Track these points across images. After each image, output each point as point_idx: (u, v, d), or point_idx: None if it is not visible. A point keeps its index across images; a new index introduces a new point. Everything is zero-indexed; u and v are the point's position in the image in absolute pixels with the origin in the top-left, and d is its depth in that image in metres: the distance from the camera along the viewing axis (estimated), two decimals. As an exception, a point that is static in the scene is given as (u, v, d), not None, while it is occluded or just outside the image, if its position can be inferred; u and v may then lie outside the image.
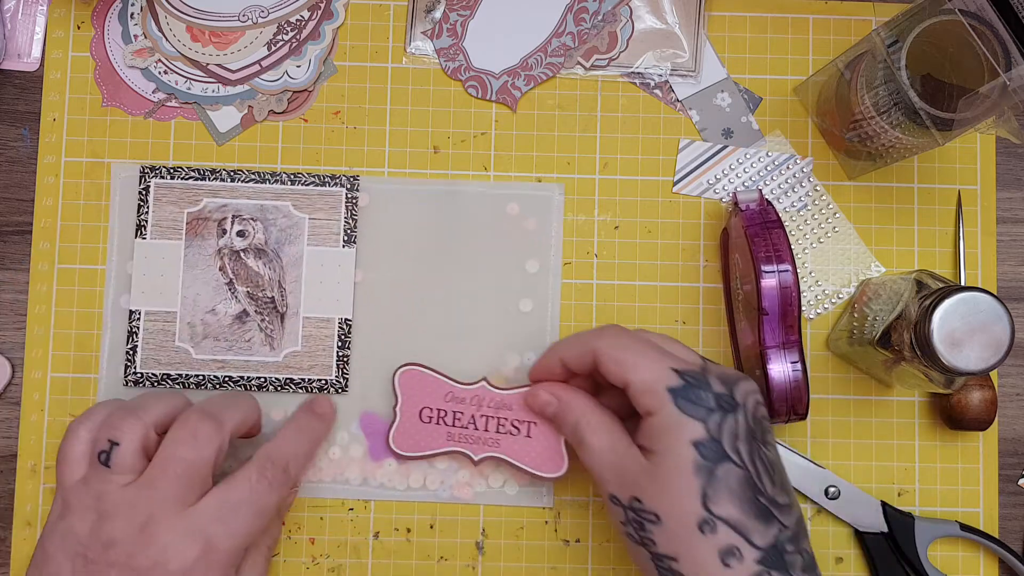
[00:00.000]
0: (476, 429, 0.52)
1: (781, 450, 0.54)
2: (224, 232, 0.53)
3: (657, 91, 0.56)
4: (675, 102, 0.56)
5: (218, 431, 0.46)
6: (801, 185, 0.56)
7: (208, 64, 0.56)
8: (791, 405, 0.49)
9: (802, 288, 0.55)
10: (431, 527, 0.54)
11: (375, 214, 0.54)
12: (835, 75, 0.52)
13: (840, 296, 0.55)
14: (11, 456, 0.54)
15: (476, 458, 0.52)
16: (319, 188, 0.54)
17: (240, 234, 0.53)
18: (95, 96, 0.56)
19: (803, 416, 0.49)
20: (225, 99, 0.55)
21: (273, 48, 0.56)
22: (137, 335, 0.53)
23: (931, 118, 0.46)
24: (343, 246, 0.54)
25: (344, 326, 0.54)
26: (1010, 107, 0.45)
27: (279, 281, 0.53)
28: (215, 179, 0.54)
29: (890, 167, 0.55)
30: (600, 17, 0.56)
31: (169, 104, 0.55)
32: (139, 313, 0.53)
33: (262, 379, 0.53)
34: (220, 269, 0.53)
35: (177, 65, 0.56)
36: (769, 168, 0.56)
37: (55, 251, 0.55)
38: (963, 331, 0.44)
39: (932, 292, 0.46)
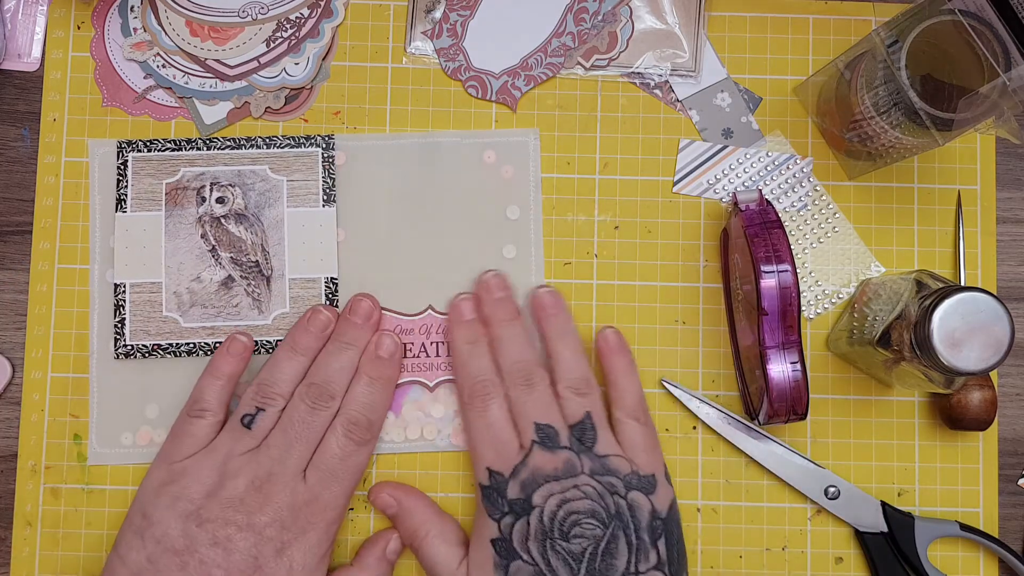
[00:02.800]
0: (428, 356, 0.53)
1: (781, 450, 0.54)
2: (203, 200, 0.54)
3: (657, 91, 0.56)
4: (675, 102, 0.56)
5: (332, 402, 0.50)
6: (801, 185, 0.56)
7: (207, 59, 0.56)
8: (791, 405, 0.49)
9: (802, 288, 0.55)
10: (431, 527, 0.54)
11: (353, 172, 0.54)
12: (835, 75, 0.52)
13: (840, 296, 0.55)
14: (11, 456, 0.54)
15: (431, 384, 0.53)
16: (295, 150, 0.54)
17: (219, 200, 0.54)
18: (95, 96, 0.56)
19: (803, 416, 0.49)
20: (222, 94, 0.55)
21: (272, 45, 0.56)
22: (124, 308, 0.53)
23: (931, 118, 0.46)
24: (323, 205, 0.54)
25: (331, 285, 0.54)
26: (1010, 107, 0.45)
27: (262, 245, 0.54)
28: (191, 148, 0.54)
29: (890, 167, 0.55)
30: (600, 17, 0.56)
31: (151, 97, 0.55)
32: (124, 286, 0.53)
33: (265, 344, 0.54)
34: (202, 237, 0.54)
35: (175, 59, 0.56)
36: (769, 168, 0.56)
37: (55, 251, 0.55)
38: (963, 331, 0.44)
39: (932, 292, 0.46)
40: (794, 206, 0.56)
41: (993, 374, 0.54)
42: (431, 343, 0.53)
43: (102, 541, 0.53)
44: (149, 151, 0.54)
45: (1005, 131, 0.45)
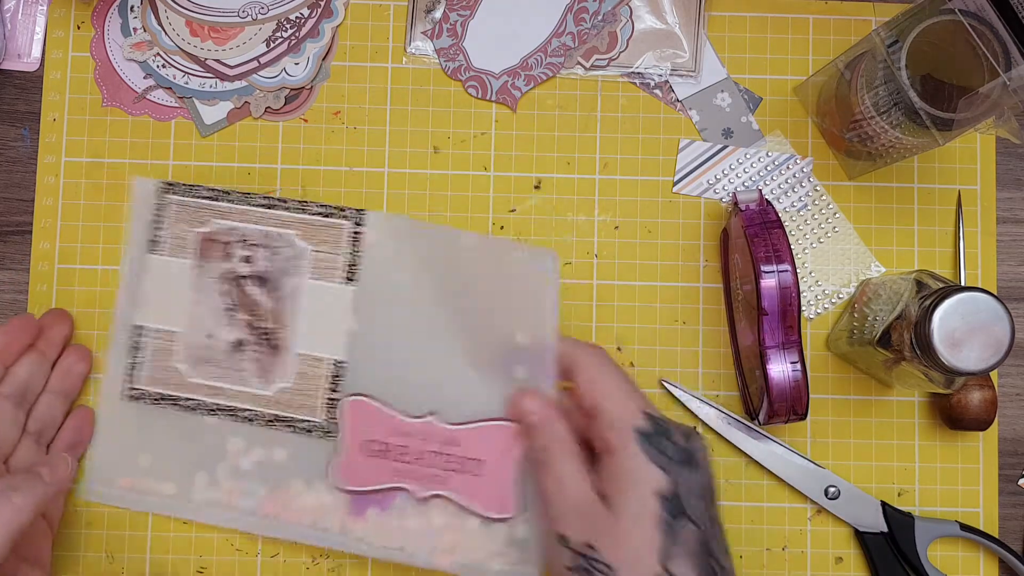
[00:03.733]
0: (423, 465, 0.49)
1: (781, 450, 0.54)
2: (230, 256, 0.52)
3: (657, 91, 0.56)
4: (675, 102, 0.56)
5: None
6: (801, 185, 0.56)
7: (207, 59, 0.56)
8: (791, 405, 0.49)
9: (802, 288, 0.55)
10: (431, 527, 0.54)
11: (379, 253, 0.52)
12: (835, 75, 0.52)
13: (840, 296, 0.55)
14: (11, 456, 0.54)
15: (421, 495, 0.49)
16: (324, 219, 0.52)
17: (245, 260, 0.52)
18: (95, 96, 0.56)
19: (803, 416, 0.49)
20: (222, 94, 0.55)
21: (272, 45, 0.56)
22: (140, 350, 0.52)
23: (931, 118, 0.46)
24: (343, 282, 0.52)
25: (336, 367, 0.51)
26: (1010, 107, 0.45)
27: (277, 313, 0.52)
28: (227, 200, 0.52)
29: (890, 167, 0.55)
30: (600, 17, 0.56)
31: (151, 97, 0.55)
32: (144, 329, 0.52)
33: (252, 412, 0.52)
34: (223, 294, 0.52)
35: (175, 59, 0.56)
36: (769, 168, 0.56)
37: (55, 251, 0.55)
38: (963, 331, 0.44)
39: (932, 292, 0.46)
40: (794, 206, 0.56)
41: (993, 374, 0.54)
42: (428, 451, 0.49)
43: (102, 541, 0.53)
44: (187, 195, 0.52)
45: (1005, 131, 0.45)
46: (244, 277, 0.52)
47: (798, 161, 0.56)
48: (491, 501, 0.49)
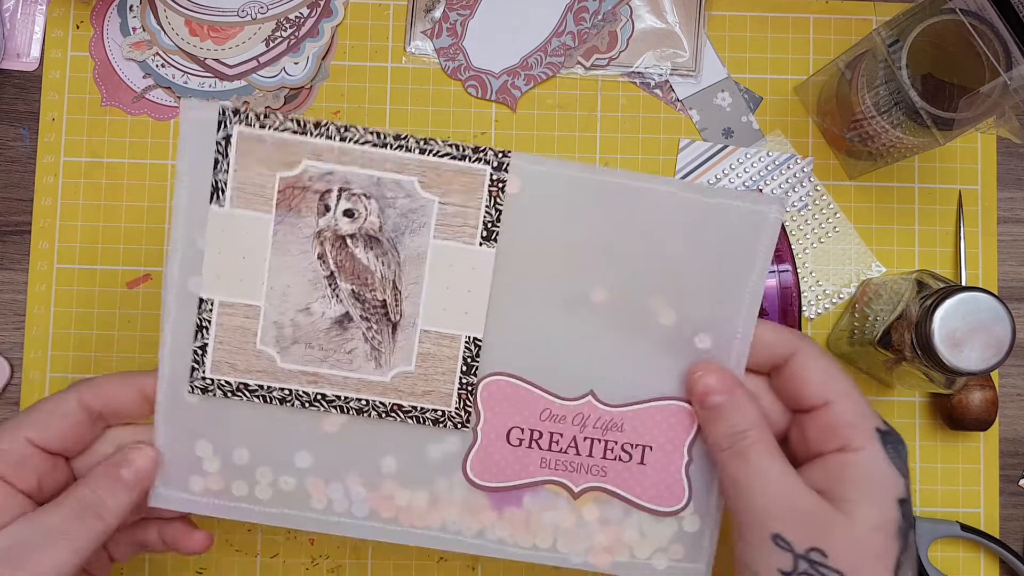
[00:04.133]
0: (579, 454, 0.43)
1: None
2: (327, 209, 0.41)
3: (657, 91, 0.56)
4: (675, 102, 0.56)
5: None
6: (801, 185, 0.56)
7: (206, 59, 0.56)
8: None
9: (802, 288, 0.55)
10: (431, 527, 0.54)
11: (525, 205, 0.41)
12: (836, 75, 0.52)
13: (840, 296, 0.55)
14: (10, 456, 0.54)
15: (577, 489, 0.43)
16: (456, 163, 0.41)
17: (348, 213, 0.41)
18: (94, 96, 0.56)
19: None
20: (222, 94, 0.55)
21: (271, 44, 0.56)
22: (208, 330, 0.42)
23: (932, 118, 0.46)
24: (480, 244, 0.42)
25: (473, 346, 0.42)
26: (1011, 106, 0.45)
27: (394, 281, 0.42)
28: (319, 135, 0.41)
29: (891, 167, 0.55)
30: (600, 17, 0.56)
31: (150, 97, 0.55)
32: (212, 303, 0.42)
33: (363, 402, 0.42)
34: (319, 257, 0.42)
35: (174, 59, 0.55)
36: (769, 168, 0.56)
37: (54, 251, 0.55)
38: (964, 331, 0.44)
39: (933, 292, 0.46)
40: (794, 206, 0.56)
41: (994, 374, 0.54)
42: (585, 439, 0.42)
43: (101, 542, 0.53)
44: (262, 127, 0.40)
45: (1006, 130, 0.45)
46: (348, 237, 0.42)
47: (798, 161, 0.56)
48: (659, 492, 0.43)
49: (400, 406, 0.43)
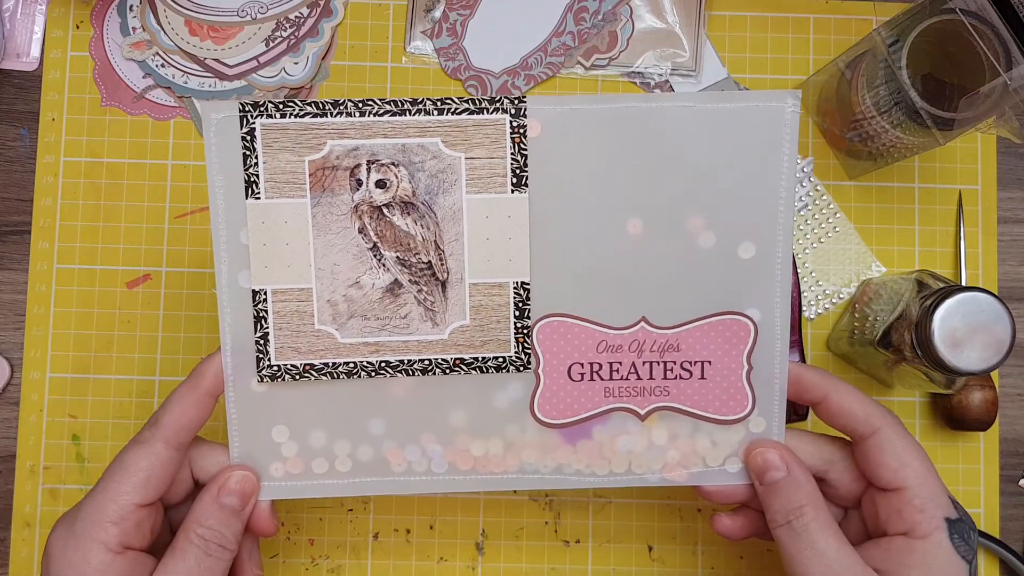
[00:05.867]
0: (639, 379, 0.44)
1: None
2: (359, 183, 0.42)
3: (657, 91, 0.56)
4: (675, 101, 0.56)
5: None
6: (802, 185, 0.56)
7: (206, 59, 0.55)
8: (792, 405, 0.49)
9: (803, 288, 0.55)
10: (431, 528, 0.54)
11: (548, 147, 0.42)
12: (836, 75, 0.52)
13: (840, 296, 0.55)
14: (10, 456, 0.54)
15: (643, 411, 0.44)
16: (474, 116, 0.42)
17: (380, 184, 0.42)
18: (94, 95, 0.55)
19: (804, 416, 0.49)
20: (221, 94, 0.55)
21: (271, 44, 0.56)
22: (267, 320, 0.43)
23: (932, 118, 0.45)
24: (512, 191, 0.43)
25: (521, 291, 0.43)
26: (1011, 106, 0.45)
27: (435, 241, 0.43)
28: (340, 114, 0.42)
29: (891, 167, 0.55)
30: (600, 16, 0.56)
31: (150, 96, 0.55)
32: (264, 293, 0.43)
33: (426, 362, 0.44)
34: (360, 231, 0.43)
35: (174, 59, 0.55)
36: (769, 168, 0.56)
37: (54, 251, 0.55)
38: (964, 331, 0.44)
39: (933, 292, 0.46)
40: (794, 206, 0.56)
41: (994, 374, 0.54)
42: (643, 363, 0.43)
43: (101, 542, 0.53)
44: (283, 116, 0.42)
45: (1006, 130, 0.45)
46: (384, 206, 0.43)
47: (799, 161, 0.56)
48: (723, 403, 0.44)
49: (462, 360, 0.44)
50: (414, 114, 0.42)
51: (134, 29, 0.56)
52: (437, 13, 0.56)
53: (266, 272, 0.43)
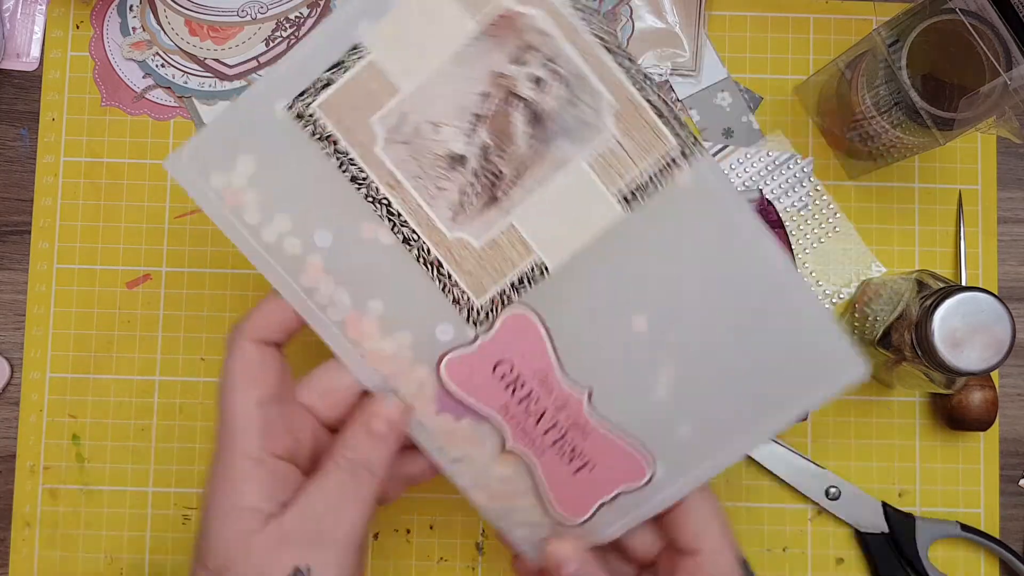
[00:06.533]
0: (537, 423, 0.42)
1: (782, 451, 0.53)
2: (521, 61, 0.39)
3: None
4: (675, 102, 0.56)
5: None
6: (801, 185, 0.56)
7: (206, 59, 0.56)
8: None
9: (802, 288, 0.55)
10: (431, 528, 0.54)
11: (680, 202, 0.40)
12: (836, 75, 0.52)
13: (840, 296, 0.55)
14: (10, 456, 0.54)
15: (508, 446, 0.42)
16: (654, 117, 0.39)
17: (535, 81, 0.39)
18: (94, 96, 0.56)
19: (804, 417, 0.49)
20: (222, 94, 0.55)
21: (271, 44, 0.56)
22: (343, 73, 0.40)
23: (932, 118, 0.45)
24: (618, 201, 0.40)
25: (537, 271, 0.40)
26: (1011, 107, 0.45)
27: (524, 164, 0.40)
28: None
29: (891, 167, 0.55)
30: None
31: (150, 96, 0.55)
32: (365, 54, 0.39)
33: (416, 236, 0.41)
34: (483, 94, 0.39)
35: (174, 59, 0.55)
36: (769, 168, 0.56)
37: (54, 251, 0.55)
38: (964, 331, 0.44)
39: (933, 292, 0.46)
40: (794, 206, 0.56)
41: (994, 374, 0.54)
42: (551, 418, 0.42)
43: (100, 542, 0.53)
44: None
45: (1006, 130, 0.45)
46: (519, 98, 0.39)
47: (799, 161, 0.56)
48: (568, 501, 0.43)
49: (440, 264, 0.41)
50: (617, 63, 0.39)
51: (134, 29, 0.56)
52: (437, 13, 0.56)
53: (385, 42, 0.39)
